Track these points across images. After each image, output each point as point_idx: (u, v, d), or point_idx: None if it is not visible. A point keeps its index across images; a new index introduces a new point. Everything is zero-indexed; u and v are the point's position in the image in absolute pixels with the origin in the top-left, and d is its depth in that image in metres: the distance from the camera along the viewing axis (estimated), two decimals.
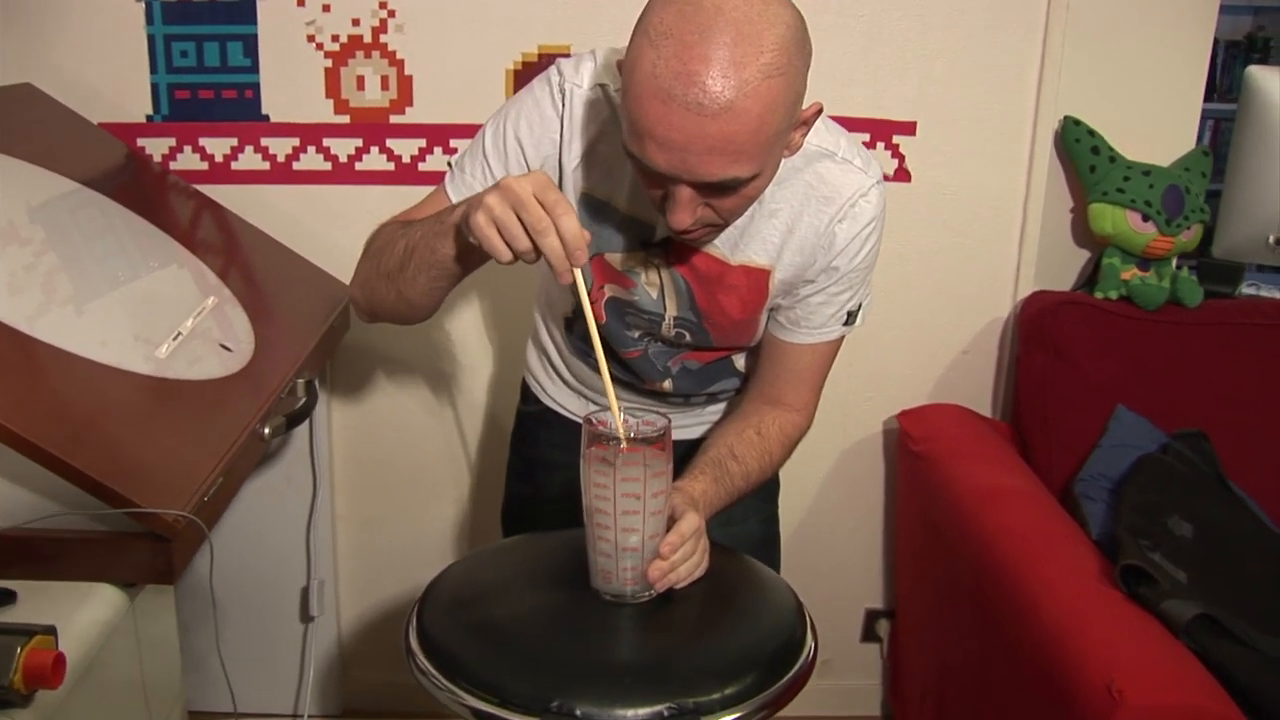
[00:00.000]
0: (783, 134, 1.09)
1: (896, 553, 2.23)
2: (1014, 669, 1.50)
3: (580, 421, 1.57)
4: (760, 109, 1.03)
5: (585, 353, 1.49)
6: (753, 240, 1.30)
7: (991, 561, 1.60)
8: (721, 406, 1.56)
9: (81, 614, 1.10)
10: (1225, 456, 1.86)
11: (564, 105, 1.26)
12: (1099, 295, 2.04)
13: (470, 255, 1.17)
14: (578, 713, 0.98)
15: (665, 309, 1.36)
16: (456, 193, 1.30)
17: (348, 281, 1.98)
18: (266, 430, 1.43)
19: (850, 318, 1.39)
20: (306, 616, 2.19)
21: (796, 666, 1.07)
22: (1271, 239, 2.18)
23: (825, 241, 1.30)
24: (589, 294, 1.10)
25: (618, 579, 1.11)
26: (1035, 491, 1.77)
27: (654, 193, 1.14)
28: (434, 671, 1.04)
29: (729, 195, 1.11)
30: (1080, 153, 2.05)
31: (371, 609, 2.30)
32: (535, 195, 1.03)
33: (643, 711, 0.98)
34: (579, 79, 1.26)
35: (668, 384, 1.47)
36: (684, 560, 1.13)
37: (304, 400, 1.58)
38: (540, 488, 1.65)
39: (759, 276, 1.32)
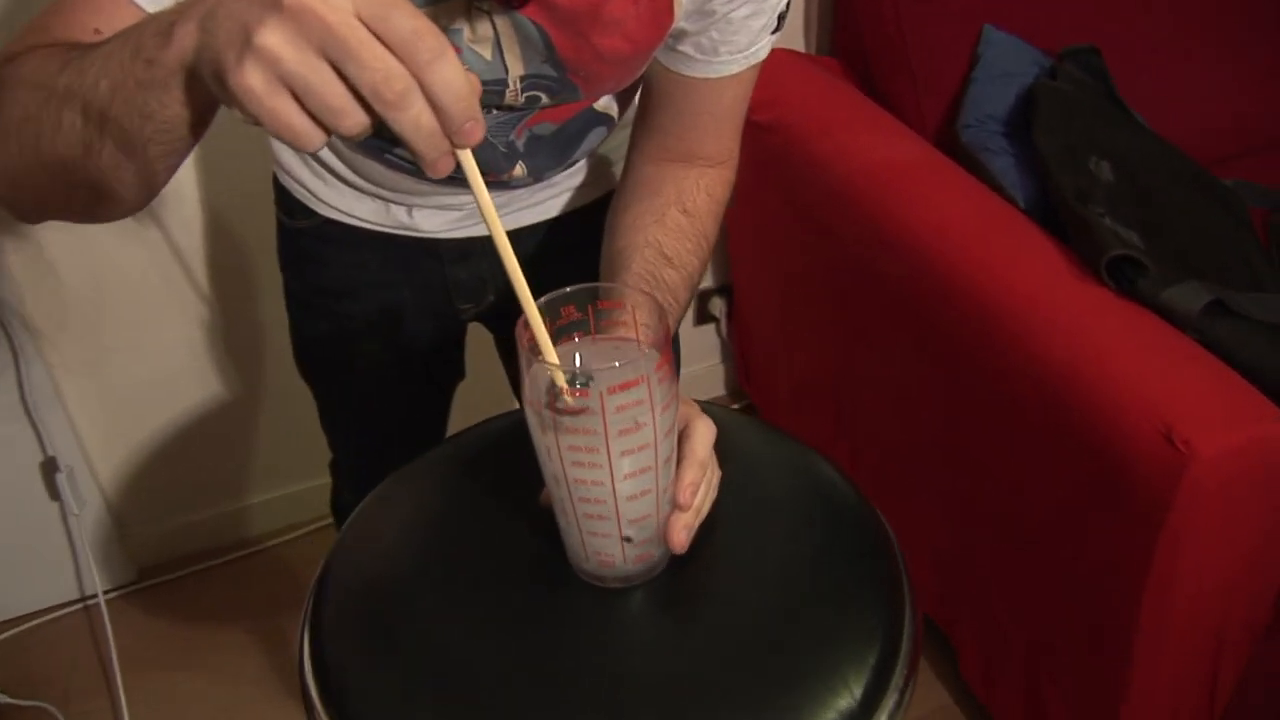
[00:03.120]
0: None
1: (729, 232, 1.83)
2: (993, 400, 1.18)
3: (380, 230, 1.05)
4: None
5: (378, 149, 0.92)
6: None
7: (927, 263, 1.23)
8: (582, 165, 1.05)
9: None
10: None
11: None
12: None
13: (213, 109, 0.58)
14: None
15: (507, 69, 0.81)
16: None
17: None
18: None
19: (780, 21, 0.89)
20: (55, 495, 1.62)
21: (906, 626, 0.68)
22: None
23: None
24: None
25: (624, 560, 0.67)
26: (936, 160, 1.38)
27: None
28: None
29: None
30: None
31: (129, 458, 1.72)
32: (367, 24, 0.46)
33: None
34: None
35: (519, 169, 0.94)
36: (704, 497, 0.69)
37: None
38: (342, 320, 1.12)
39: None
